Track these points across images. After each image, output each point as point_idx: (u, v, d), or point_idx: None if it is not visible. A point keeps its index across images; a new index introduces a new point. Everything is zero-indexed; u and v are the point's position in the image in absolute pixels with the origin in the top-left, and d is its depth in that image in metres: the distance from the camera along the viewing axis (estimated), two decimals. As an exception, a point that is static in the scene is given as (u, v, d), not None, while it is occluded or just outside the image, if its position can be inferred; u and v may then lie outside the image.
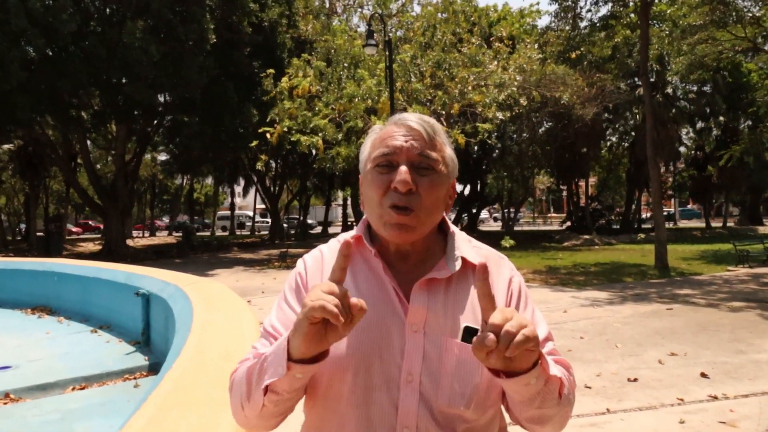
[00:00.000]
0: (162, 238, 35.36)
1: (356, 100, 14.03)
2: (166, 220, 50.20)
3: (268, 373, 0.87)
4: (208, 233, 41.19)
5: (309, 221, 40.86)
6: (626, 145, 31.01)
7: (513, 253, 17.15)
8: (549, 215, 56.05)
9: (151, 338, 4.74)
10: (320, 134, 13.98)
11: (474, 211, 32.67)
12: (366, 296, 0.94)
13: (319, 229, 40.74)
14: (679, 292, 10.19)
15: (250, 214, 45.84)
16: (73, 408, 3.40)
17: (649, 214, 38.38)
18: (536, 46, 18.00)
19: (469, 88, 14.78)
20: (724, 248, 17.85)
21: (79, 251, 23.56)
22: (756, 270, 13.35)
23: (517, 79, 15.66)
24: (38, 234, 26.29)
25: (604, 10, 16.98)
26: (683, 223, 42.33)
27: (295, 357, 0.84)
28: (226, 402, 1.03)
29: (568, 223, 34.09)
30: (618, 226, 31.70)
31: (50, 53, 17.07)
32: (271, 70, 15.93)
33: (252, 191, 41.23)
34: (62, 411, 3.34)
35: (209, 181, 44.71)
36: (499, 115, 14.57)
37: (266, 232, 37.33)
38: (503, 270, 1.07)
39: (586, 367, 5.43)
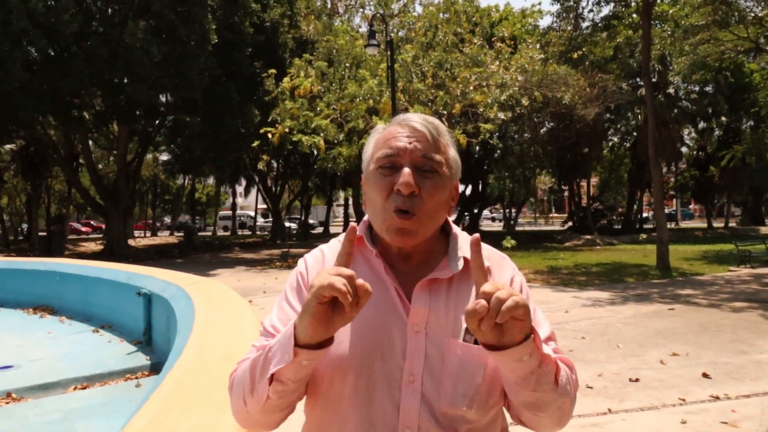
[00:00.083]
0: (163, 238, 35.40)
1: (358, 100, 14.03)
2: (167, 220, 50.24)
3: (274, 361, 0.87)
4: (209, 233, 41.23)
5: (310, 221, 40.93)
6: (628, 145, 30.99)
7: (514, 254, 17.12)
8: (551, 215, 56.02)
9: (152, 338, 4.75)
10: (322, 134, 13.98)
11: (476, 211, 32.67)
12: (367, 297, 0.94)
13: (320, 230, 40.81)
14: (681, 293, 10.18)
15: (252, 214, 45.90)
16: (75, 408, 3.41)
17: (650, 214, 38.35)
18: (538, 46, 17.99)
19: (471, 88, 14.78)
20: (726, 248, 17.83)
21: (80, 251, 23.60)
22: (758, 270, 13.33)
23: (519, 79, 15.66)
24: (40, 234, 26.33)
25: (606, 10, 16.95)
26: (682, 224, 42.30)
27: (302, 341, 0.84)
28: (227, 402, 1.02)
29: (570, 224, 34.07)
30: (619, 227, 31.69)
31: (52, 54, 17.10)
32: (273, 71, 15.95)
33: (253, 191, 41.30)
34: (64, 411, 3.35)
35: (211, 181, 44.78)
36: (501, 115, 14.56)
37: (267, 233, 37.38)
38: (505, 270, 1.07)
39: (588, 367, 5.43)
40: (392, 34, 16.68)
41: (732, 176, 28.50)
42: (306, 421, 1.05)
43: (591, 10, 16.97)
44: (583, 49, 18.78)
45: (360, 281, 0.82)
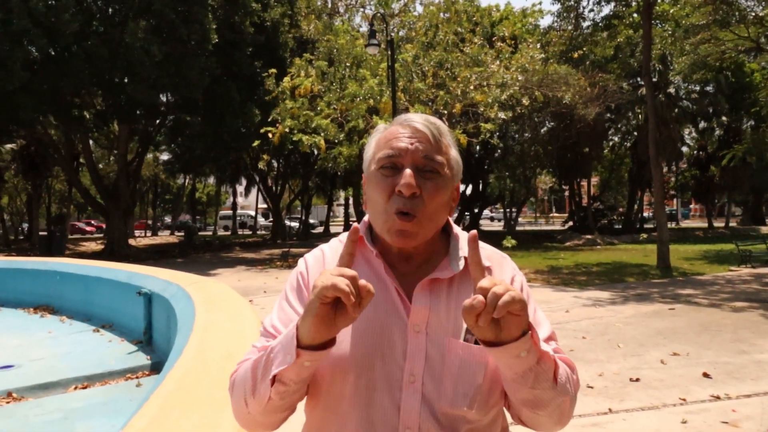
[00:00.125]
0: (164, 237, 35.42)
1: (358, 99, 14.03)
2: (168, 219, 50.25)
3: (276, 362, 0.87)
4: (209, 233, 41.24)
5: (311, 221, 40.93)
6: (628, 144, 30.99)
7: (515, 253, 17.11)
8: (551, 215, 56.01)
9: (153, 338, 4.75)
10: (322, 134, 13.98)
11: (476, 211, 32.67)
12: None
13: (321, 229, 40.82)
14: (682, 292, 10.18)
15: (252, 213, 45.92)
16: (76, 407, 3.41)
17: (651, 214, 38.34)
18: (538, 45, 17.99)
19: (471, 87, 14.77)
20: (727, 248, 17.83)
21: (81, 251, 23.61)
22: (758, 270, 13.32)
23: (519, 78, 15.65)
24: (41, 233, 26.34)
25: (606, 9, 16.93)
26: (682, 224, 42.28)
27: (305, 342, 0.84)
28: (227, 402, 1.02)
29: (570, 223, 34.07)
30: (620, 226, 31.68)
31: (52, 53, 17.09)
32: (273, 70, 15.94)
33: (254, 191, 41.32)
34: (64, 410, 3.35)
35: (211, 180, 44.79)
36: (501, 114, 14.55)
37: (267, 232, 37.38)
38: (505, 269, 1.07)
39: (588, 367, 5.43)
40: (393, 34, 16.67)
41: (732, 176, 28.49)
42: (306, 421, 1.05)
43: (591, 10, 16.94)
44: (584, 49, 18.76)
45: (363, 282, 0.82)
